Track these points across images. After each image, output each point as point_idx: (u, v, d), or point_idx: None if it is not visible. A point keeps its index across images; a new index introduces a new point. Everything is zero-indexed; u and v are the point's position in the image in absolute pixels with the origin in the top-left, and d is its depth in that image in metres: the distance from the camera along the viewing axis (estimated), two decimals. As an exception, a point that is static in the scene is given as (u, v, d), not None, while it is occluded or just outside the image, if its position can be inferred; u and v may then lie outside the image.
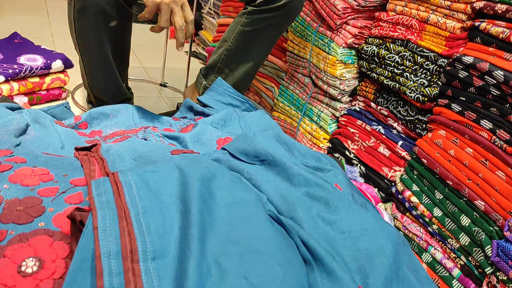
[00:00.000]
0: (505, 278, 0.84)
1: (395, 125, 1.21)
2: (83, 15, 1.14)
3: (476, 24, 0.98)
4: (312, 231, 0.57)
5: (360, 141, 1.29)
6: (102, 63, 1.25)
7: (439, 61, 1.07)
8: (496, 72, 0.90)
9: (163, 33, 1.97)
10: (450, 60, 1.03)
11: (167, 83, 1.99)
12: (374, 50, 1.23)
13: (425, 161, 1.07)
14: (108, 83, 1.31)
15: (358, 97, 1.34)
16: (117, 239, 0.46)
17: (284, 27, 1.30)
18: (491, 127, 0.93)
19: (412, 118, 1.15)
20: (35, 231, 0.49)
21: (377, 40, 1.24)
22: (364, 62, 1.28)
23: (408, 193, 1.11)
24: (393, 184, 1.18)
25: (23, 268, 0.45)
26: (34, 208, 0.52)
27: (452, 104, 1.02)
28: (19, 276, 0.44)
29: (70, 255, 0.48)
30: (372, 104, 1.27)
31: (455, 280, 0.97)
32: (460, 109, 1.00)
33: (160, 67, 2.01)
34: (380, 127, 1.24)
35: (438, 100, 1.06)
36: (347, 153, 1.32)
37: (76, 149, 0.77)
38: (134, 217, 0.48)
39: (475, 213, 0.94)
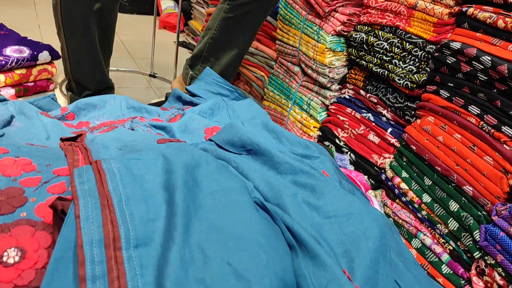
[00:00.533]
0: (493, 262, 0.84)
1: (384, 112, 1.21)
2: None
3: (464, 9, 0.97)
4: (298, 216, 0.56)
5: (350, 128, 1.28)
6: (88, 47, 1.22)
7: (427, 47, 1.06)
8: (483, 57, 0.90)
9: (151, 24, 1.95)
10: (438, 46, 1.02)
11: (156, 74, 1.97)
12: (363, 37, 1.22)
13: (414, 148, 1.07)
14: (93, 68, 1.27)
15: (348, 85, 1.33)
16: (100, 227, 0.45)
17: (266, 11, 1.29)
18: (479, 112, 0.93)
19: (401, 105, 1.15)
20: (17, 221, 0.48)
21: (366, 27, 1.23)
22: (353, 50, 1.27)
23: (397, 179, 1.11)
24: (382, 171, 1.18)
25: (4, 259, 0.44)
26: (16, 199, 0.51)
27: (440, 90, 1.02)
28: (1, 267, 0.44)
29: (52, 244, 0.47)
30: (362, 92, 1.27)
31: (444, 265, 0.98)
32: (448, 95, 1.00)
33: (149, 57, 2.00)
34: (369, 114, 1.24)
35: (427, 86, 1.06)
36: (337, 141, 1.32)
37: (62, 139, 0.76)
38: (117, 204, 0.48)
39: (463, 198, 0.94)
